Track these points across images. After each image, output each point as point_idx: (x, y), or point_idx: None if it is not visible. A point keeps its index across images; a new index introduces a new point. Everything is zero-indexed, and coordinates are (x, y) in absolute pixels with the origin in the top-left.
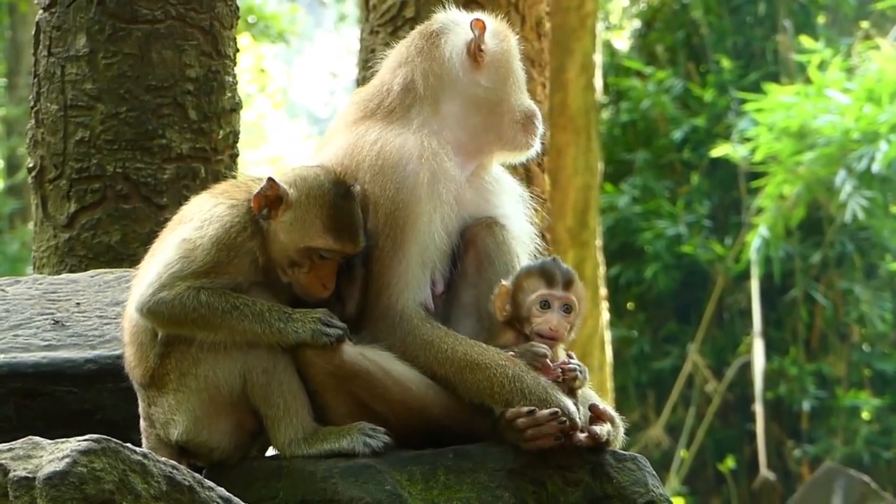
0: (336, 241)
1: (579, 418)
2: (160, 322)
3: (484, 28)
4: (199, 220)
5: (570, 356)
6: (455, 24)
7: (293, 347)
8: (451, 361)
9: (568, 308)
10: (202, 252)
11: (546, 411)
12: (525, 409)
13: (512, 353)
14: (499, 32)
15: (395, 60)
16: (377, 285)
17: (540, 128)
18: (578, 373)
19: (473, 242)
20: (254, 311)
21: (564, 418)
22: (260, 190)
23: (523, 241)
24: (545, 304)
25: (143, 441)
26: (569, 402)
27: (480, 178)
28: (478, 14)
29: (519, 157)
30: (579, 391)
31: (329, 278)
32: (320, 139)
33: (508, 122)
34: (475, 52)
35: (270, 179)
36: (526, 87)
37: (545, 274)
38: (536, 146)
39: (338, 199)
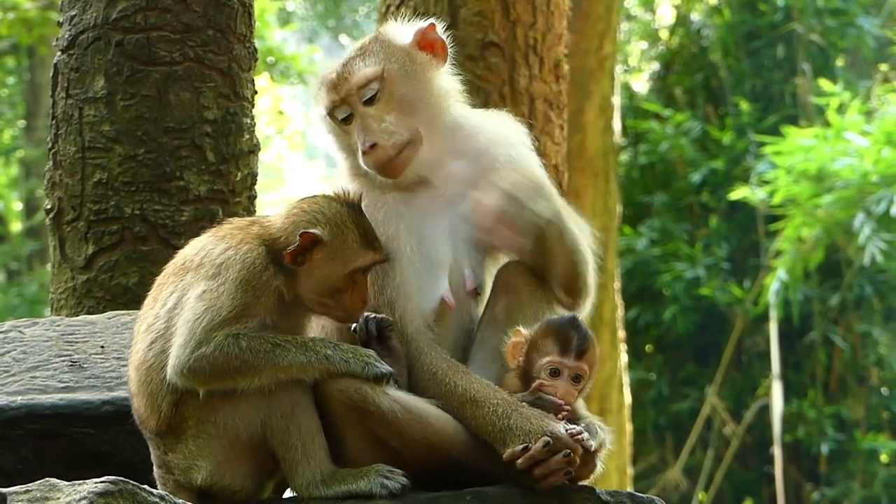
0: (375, 253)
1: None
2: (202, 379)
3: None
4: (211, 266)
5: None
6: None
7: (337, 376)
8: (454, 395)
9: (578, 377)
10: (228, 298)
11: (538, 444)
12: (519, 447)
13: (520, 397)
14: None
15: None
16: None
17: None
18: (587, 437)
19: (506, 288)
20: (296, 343)
21: (565, 449)
22: (296, 247)
23: None
24: (555, 372)
25: (160, 487)
26: (556, 427)
27: None
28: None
29: None
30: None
31: (366, 292)
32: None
33: None
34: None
35: (305, 233)
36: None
37: (560, 340)
38: None
39: (357, 216)
